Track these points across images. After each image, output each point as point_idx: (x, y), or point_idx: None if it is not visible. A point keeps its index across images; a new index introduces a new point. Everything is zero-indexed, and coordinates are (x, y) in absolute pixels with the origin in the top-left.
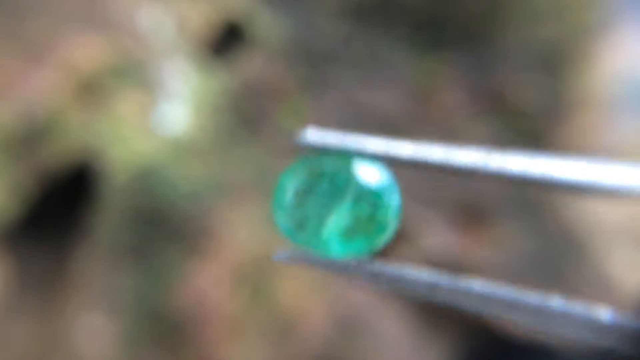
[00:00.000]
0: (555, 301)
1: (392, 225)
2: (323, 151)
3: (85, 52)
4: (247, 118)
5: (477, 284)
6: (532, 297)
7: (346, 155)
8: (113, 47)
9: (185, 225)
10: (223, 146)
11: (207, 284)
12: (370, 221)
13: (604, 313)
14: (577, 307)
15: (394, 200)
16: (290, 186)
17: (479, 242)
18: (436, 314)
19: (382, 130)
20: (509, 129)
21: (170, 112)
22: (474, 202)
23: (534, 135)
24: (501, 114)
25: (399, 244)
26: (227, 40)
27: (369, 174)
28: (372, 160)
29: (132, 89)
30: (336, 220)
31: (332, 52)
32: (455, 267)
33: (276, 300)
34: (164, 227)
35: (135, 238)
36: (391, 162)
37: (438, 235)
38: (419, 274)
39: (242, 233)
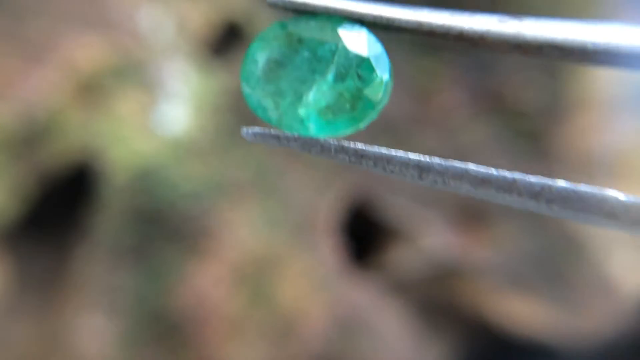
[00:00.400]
0: (560, 183)
1: (381, 104)
2: (301, 13)
3: (85, 52)
4: (247, 118)
5: (472, 166)
6: (532, 178)
7: (330, 19)
8: (113, 47)
9: (185, 225)
10: (223, 146)
11: (207, 284)
12: (356, 98)
13: (614, 194)
14: (586, 188)
15: (384, 73)
16: (262, 54)
17: (479, 242)
18: (436, 313)
19: (382, 130)
20: (509, 129)
21: (170, 112)
22: (474, 202)
23: (534, 135)
24: (501, 114)
25: (398, 243)
26: (227, 40)
27: (358, 42)
28: (361, 25)
29: (132, 89)
30: (316, 97)
31: None
32: (455, 267)
33: (276, 300)
34: (164, 227)
35: (135, 238)
36: (385, 28)
37: (438, 235)
38: (408, 155)
39: (242, 233)
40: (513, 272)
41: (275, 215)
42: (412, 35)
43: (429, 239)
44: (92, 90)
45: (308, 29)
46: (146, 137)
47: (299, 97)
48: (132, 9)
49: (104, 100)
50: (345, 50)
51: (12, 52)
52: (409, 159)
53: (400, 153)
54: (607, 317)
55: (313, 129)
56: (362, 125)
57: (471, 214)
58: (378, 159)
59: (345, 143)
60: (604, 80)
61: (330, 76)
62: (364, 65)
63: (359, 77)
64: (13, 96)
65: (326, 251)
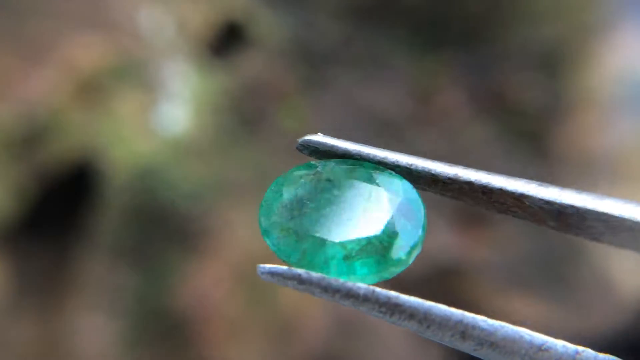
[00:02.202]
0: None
1: (409, 261)
2: (331, 157)
3: (86, 52)
4: (247, 118)
5: (526, 332)
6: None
7: (362, 164)
8: (113, 47)
9: (185, 225)
10: (223, 146)
11: (208, 284)
12: (385, 249)
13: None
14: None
15: (417, 228)
16: (288, 190)
17: (480, 242)
18: None
19: (382, 130)
20: (509, 129)
21: (170, 112)
22: None
23: (534, 135)
24: (501, 114)
25: None
26: (227, 40)
27: (391, 189)
28: (394, 174)
29: (132, 89)
30: (342, 239)
31: (332, 52)
32: (456, 267)
33: (276, 300)
34: (164, 227)
35: (135, 238)
36: (419, 179)
37: (438, 235)
38: (450, 309)
39: (242, 233)
40: (513, 272)
41: None
42: (444, 190)
43: (429, 239)
44: (92, 90)
45: (339, 171)
46: (146, 137)
47: (323, 237)
48: (132, 9)
49: (104, 100)
50: (378, 196)
51: (12, 52)
52: (451, 313)
53: (441, 307)
54: (607, 318)
55: (335, 271)
56: (388, 275)
57: (471, 214)
58: (415, 312)
59: (377, 290)
60: (604, 80)
61: (359, 221)
62: (396, 210)
63: (389, 233)
64: (13, 96)
65: None
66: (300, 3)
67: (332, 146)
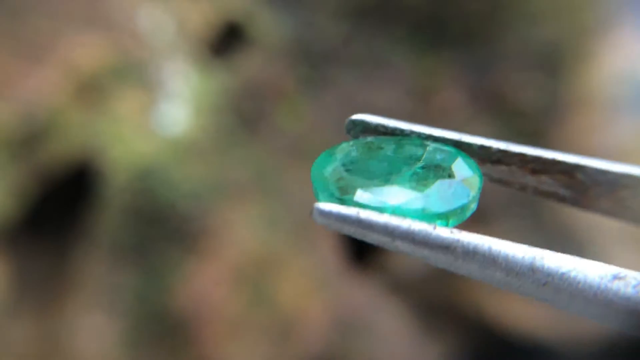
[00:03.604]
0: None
1: (472, 195)
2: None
3: (85, 52)
4: (247, 118)
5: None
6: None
7: (410, 139)
8: (113, 47)
9: (185, 225)
10: (223, 146)
11: (207, 284)
12: (448, 175)
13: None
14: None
15: (475, 171)
16: (340, 154)
17: None
18: (436, 313)
19: None
20: (509, 129)
21: (170, 112)
22: None
23: (534, 135)
24: (501, 114)
25: None
26: (227, 40)
27: (444, 149)
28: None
29: (132, 89)
30: (403, 179)
31: (332, 52)
32: None
33: (276, 300)
34: (164, 227)
35: (135, 238)
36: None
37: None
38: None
39: (242, 233)
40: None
41: (275, 215)
42: (493, 166)
43: None
44: (92, 90)
45: (388, 141)
46: (146, 137)
47: (386, 179)
48: (132, 9)
49: (104, 100)
50: (433, 152)
51: (12, 52)
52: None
53: (508, 245)
54: None
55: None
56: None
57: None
58: (486, 259)
59: (444, 231)
60: (604, 80)
61: (418, 166)
62: (454, 164)
63: (450, 175)
64: (13, 96)
65: (326, 251)
66: (300, 3)
67: (380, 124)
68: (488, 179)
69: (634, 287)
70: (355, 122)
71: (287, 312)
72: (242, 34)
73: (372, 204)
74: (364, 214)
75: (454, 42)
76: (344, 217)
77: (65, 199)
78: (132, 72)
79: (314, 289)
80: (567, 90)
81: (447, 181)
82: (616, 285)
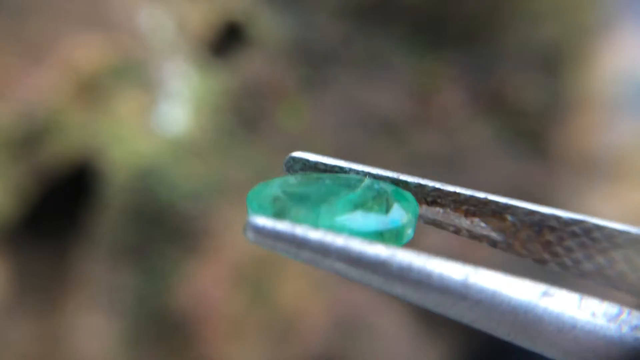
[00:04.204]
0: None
1: (407, 227)
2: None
3: (85, 52)
4: (247, 118)
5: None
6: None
7: (346, 176)
8: (113, 47)
9: (185, 225)
10: (223, 146)
11: (207, 284)
12: (389, 202)
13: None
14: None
15: (409, 208)
16: (276, 185)
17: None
18: (436, 313)
19: (382, 130)
20: (509, 129)
21: (170, 112)
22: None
23: (534, 135)
24: (501, 114)
25: None
26: (227, 40)
27: (382, 183)
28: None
29: (132, 89)
30: (344, 203)
31: (332, 52)
32: None
33: (276, 300)
34: (164, 227)
35: (135, 238)
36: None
37: (437, 235)
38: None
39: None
40: (513, 272)
41: None
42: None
43: (429, 239)
44: (92, 90)
45: (327, 174)
46: (146, 137)
47: (324, 200)
48: (132, 9)
49: (104, 100)
50: (371, 182)
51: (12, 52)
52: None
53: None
54: None
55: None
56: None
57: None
58: (421, 280)
59: (382, 250)
60: (604, 80)
61: (357, 191)
62: (391, 192)
63: (387, 200)
64: (13, 96)
65: None
66: (300, 3)
67: (320, 162)
68: (423, 221)
69: (563, 304)
70: (295, 159)
71: (287, 312)
72: (242, 34)
73: (308, 221)
74: (300, 229)
75: (454, 42)
76: (277, 233)
77: (65, 199)
78: (132, 72)
79: (314, 289)
80: (568, 90)
81: (384, 204)
82: (545, 302)
